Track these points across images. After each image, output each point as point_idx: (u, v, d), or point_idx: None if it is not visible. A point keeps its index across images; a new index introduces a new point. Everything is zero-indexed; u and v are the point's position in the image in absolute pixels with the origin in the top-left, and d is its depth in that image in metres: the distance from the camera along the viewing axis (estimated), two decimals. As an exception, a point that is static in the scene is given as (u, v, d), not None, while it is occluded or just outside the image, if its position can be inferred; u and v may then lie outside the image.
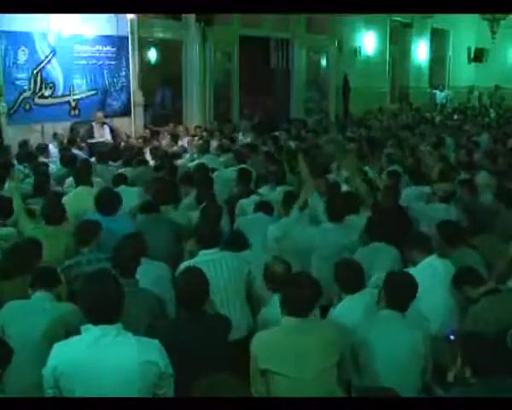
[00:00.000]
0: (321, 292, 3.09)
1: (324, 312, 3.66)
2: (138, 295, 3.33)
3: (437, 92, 19.88)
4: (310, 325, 2.99)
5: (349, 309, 3.49)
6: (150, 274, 3.73)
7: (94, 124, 9.93)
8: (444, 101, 19.47)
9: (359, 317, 3.40)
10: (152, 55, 11.94)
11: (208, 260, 3.76)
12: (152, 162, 7.67)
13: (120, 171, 6.79)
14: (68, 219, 5.08)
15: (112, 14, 10.06)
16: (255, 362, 2.92)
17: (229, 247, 4.11)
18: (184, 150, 9.11)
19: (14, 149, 8.25)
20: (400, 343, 3.13)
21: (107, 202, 4.81)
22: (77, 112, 10.24)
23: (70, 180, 6.23)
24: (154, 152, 8.35)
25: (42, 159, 7.72)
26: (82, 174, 5.95)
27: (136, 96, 11.18)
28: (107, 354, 2.51)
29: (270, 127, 11.84)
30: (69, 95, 10.09)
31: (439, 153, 8.82)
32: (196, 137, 10.06)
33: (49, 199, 5.30)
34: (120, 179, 6.04)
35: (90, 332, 2.55)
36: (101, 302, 2.57)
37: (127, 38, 10.77)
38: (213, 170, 6.99)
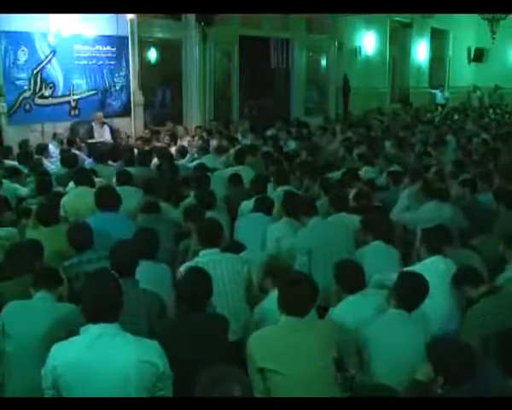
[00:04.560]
0: (318, 291, 3.10)
1: (324, 312, 3.66)
2: (138, 294, 3.33)
3: (437, 93, 19.90)
4: (307, 324, 2.99)
5: (350, 309, 3.49)
6: (152, 276, 3.72)
7: (94, 124, 9.93)
8: (443, 102, 19.49)
9: (360, 317, 3.40)
10: (152, 55, 11.93)
11: (209, 260, 3.77)
12: (154, 162, 7.68)
13: (124, 168, 6.74)
14: (68, 220, 5.10)
15: (112, 14, 10.06)
16: (253, 361, 2.92)
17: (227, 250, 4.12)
18: (185, 150, 9.10)
19: (15, 150, 8.26)
20: (407, 343, 3.13)
21: (107, 197, 4.82)
22: (77, 112, 10.24)
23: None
24: (155, 152, 8.35)
25: (42, 159, 7.73)
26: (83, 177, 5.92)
27: (136, 96, 11.19)
28: (106, 355, 2.51)
29: (269, 127, 11.87)
30: (69, 95, 10.08)
31: (438, 153, 8.84)
32: (196, 138, 10.06)
33: (48, 199, 5.31)
34: (124, 177, 5.98)
35: (89, 333, 2.56)
36: (100, 301, 2.58)
37: (127, 38, 10.77)
38: (213, 170, 7.02)
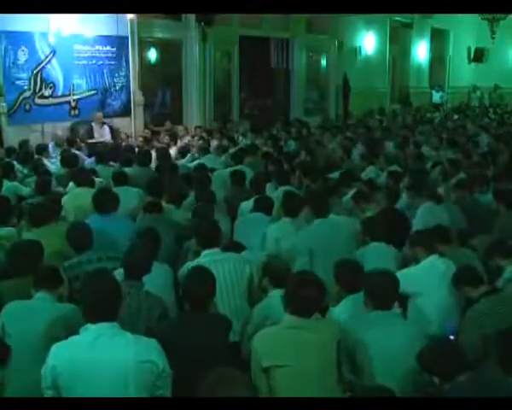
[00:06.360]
0: (326, 293, 3.09)
1: (324, 311, 3.65)
2: (140, 297, 3.34)
3: (433, 92, 19.90)
4: (312, 324, 2.99)
5: (350, 309, 3.49)
6: (154, 277, 3.71)
7: (94, 124, 9.94)
8: (440, 101, 19.48)
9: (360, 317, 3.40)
10: (152, 55, 11.93)
11: (210, 260, 3.77)
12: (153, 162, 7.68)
13: (121, 169, 6.75)
14: (67, 220, 5.10)
15: (112, 14, 10.06)
16: (258, 361, 2.91)
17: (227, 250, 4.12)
18: (186, 150, 9.11)
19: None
20: (394, 342, 3.11)
21: (105, 200, 4.82)
22: (77, 112, 10.24)
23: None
24: (155, 152, 8.35)
25: (42, 159, 7.73)
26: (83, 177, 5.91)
27: (136, 96, 11.19)
28: (106, 354, 2.51)
29: (269, 127, 11.87)
30: (69, 95, 10.08)
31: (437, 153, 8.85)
32: (196, 138, 10.07)
33: (48, 199, 5.30)
34: (121, 178, 6.01)
35: (89, 332, 2.56)
36: (99, 301, 2.59)
37: (127, 38, 10.77)
38: (213, 170, 7.01)
